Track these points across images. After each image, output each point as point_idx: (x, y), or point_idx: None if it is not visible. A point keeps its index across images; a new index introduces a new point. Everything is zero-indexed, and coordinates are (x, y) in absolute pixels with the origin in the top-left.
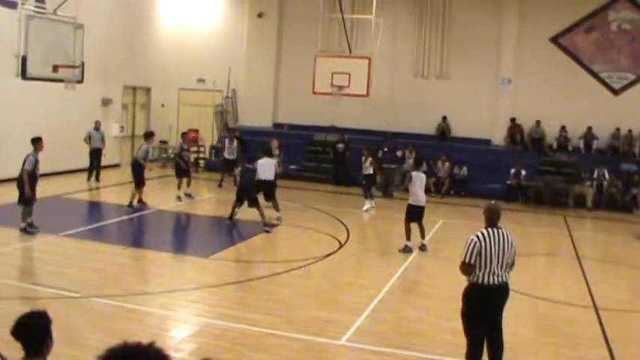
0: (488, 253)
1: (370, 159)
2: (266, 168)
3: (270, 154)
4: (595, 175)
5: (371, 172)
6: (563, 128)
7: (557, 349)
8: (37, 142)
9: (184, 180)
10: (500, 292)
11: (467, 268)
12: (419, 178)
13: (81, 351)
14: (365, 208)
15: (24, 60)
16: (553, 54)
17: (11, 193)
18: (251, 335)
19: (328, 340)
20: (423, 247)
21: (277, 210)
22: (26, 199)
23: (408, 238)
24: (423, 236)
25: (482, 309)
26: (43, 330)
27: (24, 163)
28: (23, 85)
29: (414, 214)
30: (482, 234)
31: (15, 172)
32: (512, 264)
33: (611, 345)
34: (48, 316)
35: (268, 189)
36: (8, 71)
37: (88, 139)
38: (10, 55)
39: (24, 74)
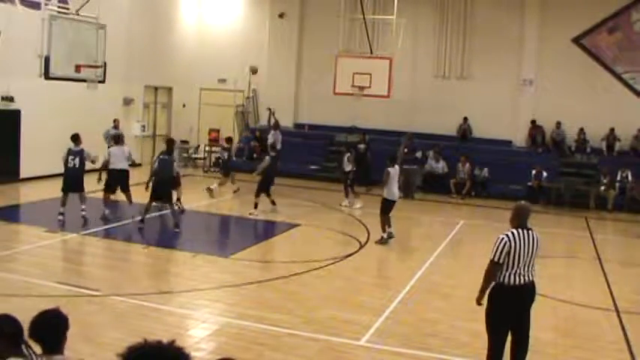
0: (517, 253)
1: (348, 154)
2: (119, 156)
3: (121, 142)
4: (618, 177)
5: (350, 168)
6: (581, 130)
7: (577, 352)
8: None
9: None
10: (526, 292)
11: (495, 267)
12: (395, 174)
13: (101, 349)
14: (348, 204)
15: (47, 60)
16: (575, 55)
17: (35, 192)
18: (270, 335)
19: (347, 340)
20: (389, 236)
21: (130, 202)
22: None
23: (384, 230)
24: (389, 225)
25: (508, 309)
26: (60, 328)
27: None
28: (46, 85)
29: (390, 208)
30: (513, 233)
31: (38, 170)
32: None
33: (633, 348)
34: (62, 313)
35: (124, 179)
36: (32, 71)
37: (108, 138)
38: (33, 55)
39: (47, 74)
